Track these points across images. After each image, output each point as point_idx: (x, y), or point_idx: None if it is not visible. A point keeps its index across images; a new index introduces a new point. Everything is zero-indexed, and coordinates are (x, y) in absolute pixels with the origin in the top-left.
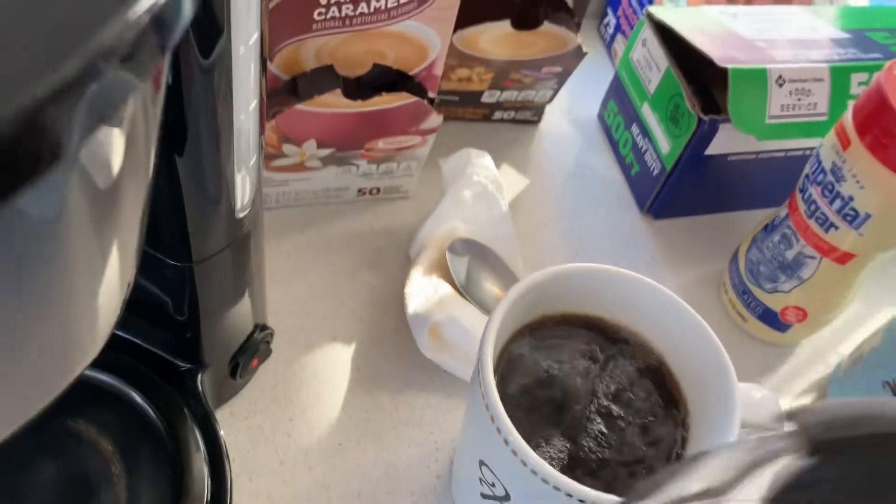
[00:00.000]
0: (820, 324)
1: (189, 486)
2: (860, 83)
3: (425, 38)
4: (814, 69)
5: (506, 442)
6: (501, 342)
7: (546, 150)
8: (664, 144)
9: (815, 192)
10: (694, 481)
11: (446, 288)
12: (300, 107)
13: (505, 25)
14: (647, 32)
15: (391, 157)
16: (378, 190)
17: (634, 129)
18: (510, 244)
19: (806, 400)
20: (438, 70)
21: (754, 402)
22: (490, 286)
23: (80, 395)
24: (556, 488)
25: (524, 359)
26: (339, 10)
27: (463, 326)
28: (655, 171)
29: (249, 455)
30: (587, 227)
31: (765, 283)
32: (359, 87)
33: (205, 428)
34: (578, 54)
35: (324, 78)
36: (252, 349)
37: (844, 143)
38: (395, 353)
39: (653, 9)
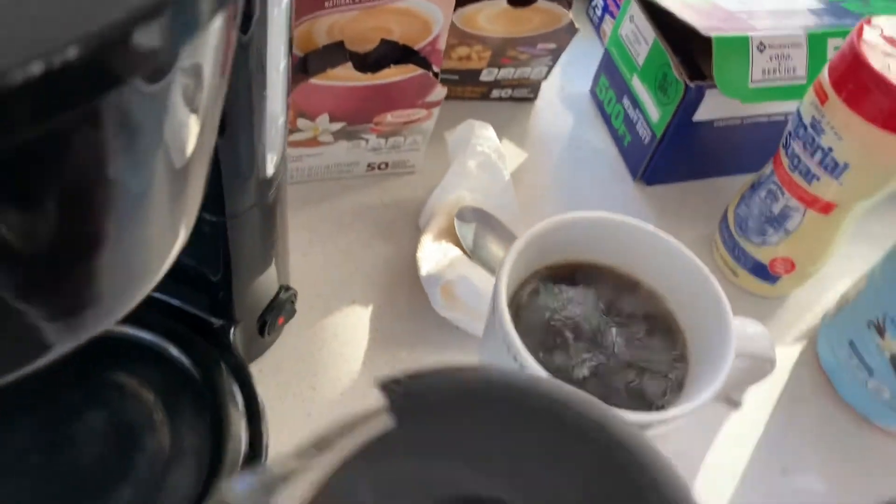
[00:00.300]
0: (807, 275)
1: (228, 429)
2: (835, 48)
3: (429, 13)
4: (792, 36)
5: (521, 367)
6: (512, 287)
7: (542, 125)
8: (654, 113)
9: (797, 146)
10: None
11: (456, 251)
12: (314, 81)
13: (501, 3)
14: (635, 8)
15: (398, 130)
16: (386, 165)
17: (625, 101)
18: (513, 211)
19: (797, 348)
20: (441, 44)
21: (748, 336)
22: (496, 250)
23: (123, 352)
24: None
25: (533, 300)
26: None
27: (473, 284)
28: (647, 140)
29: (277, 408)
30: (584, 196)
31: (753, 237)
32: (368, 63)
33: (239, 377)
34: (571, 30)
35: (334, 54)
36: (278, 308)
37: (822, 98)
38: (410, 313)
39: None
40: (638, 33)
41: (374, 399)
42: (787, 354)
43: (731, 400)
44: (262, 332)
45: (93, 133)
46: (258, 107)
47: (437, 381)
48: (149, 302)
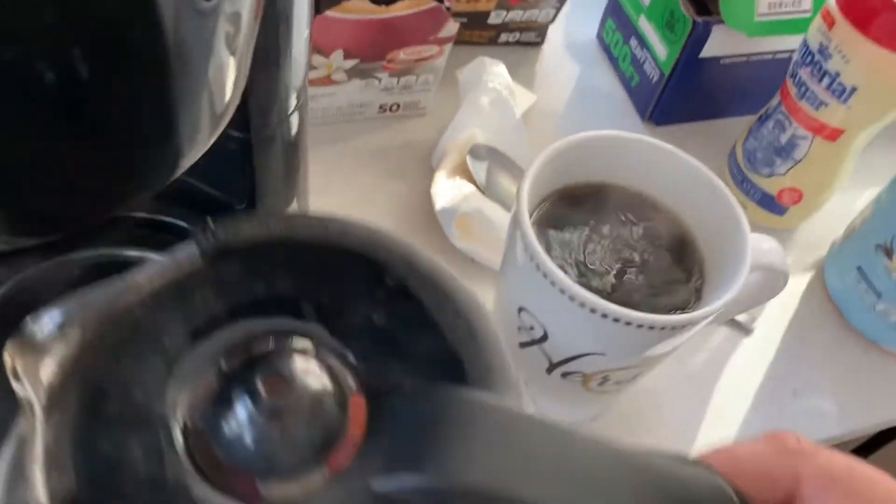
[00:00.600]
0: (814, 205)
1: None
2: None
3: None
4: None
5: (545, 275)
6: (533, 203)
7: (550, 70)
8: (661, 51)
9: (804, 73)
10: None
11: (469, 187)
12: (329, 13)
13: None
14: None
15: (411, 69)
16: (398, 106)
17: (633, 42)
18: (523, 151)
19: (805, 278)
20: None
21: (762, 251)
22: (509, 187)
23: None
24: (593, 310)
25: (552, 219)
26: None
27: (488, 216)
28: (654, 79)
29: None
30: None
31: (762, 168)
32: None
33: None
34: None
35: None
36: None
37: (829, 23)
38: (427, 247)
39: None
40: None
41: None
42: (796, 284)
43: (742, 327)
44: None
45: None
46: (284, 24)
47: (246, 228)
48: (173, 230)
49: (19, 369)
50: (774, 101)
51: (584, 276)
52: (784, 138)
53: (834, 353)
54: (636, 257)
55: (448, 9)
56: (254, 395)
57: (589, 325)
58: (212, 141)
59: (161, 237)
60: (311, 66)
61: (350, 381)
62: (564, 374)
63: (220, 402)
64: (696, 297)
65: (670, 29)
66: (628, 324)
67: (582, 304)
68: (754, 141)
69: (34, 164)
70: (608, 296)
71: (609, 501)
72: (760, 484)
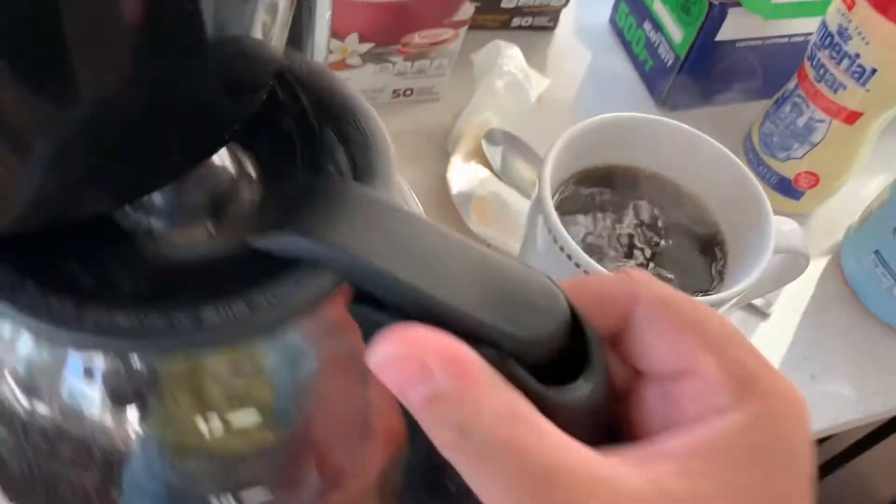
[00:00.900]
0: (831, 189)
1: None
2: None
3: None
4: None
5: (569, 256)
6: (553, 186)
7: (562, 54)
8: (676, 34)
9: (822, 56)
10: None
11: (485, 171)
12: None
13: None
14: None
15: (425, 53)
16: (411, 91)
17: (647, 25)
18: (538, 135)
19: (822, 263)
20: None
21: (783, 233)
22: (524, 171)
23: None
24: None
25: (574, 201)
26: None
27: (505, 200)
28: (669, 62)
29: None
30: None
31: (778, 152)
32: None
33: None
34: None
35: None
36: None
37: (849, 4)
38: None
39: None
40: None
41: None
42: (813, 268)
43: (760, 311)
44: None
45: None
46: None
47: None
48: None
49: None
50: (791, 85)
51: (603, 259)
52: (801, 122)
53: (851, 337)
54: (657, 240)
55: None
56: None
57: None
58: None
59: None
60: (326, 51)
61: (249, 167)
62: None
63: None
64: (718, 280)
65: (686, 12)
66: None
67: None
68: (771, 125)
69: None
70: None
71: (455, 284)
72: (600, 305)
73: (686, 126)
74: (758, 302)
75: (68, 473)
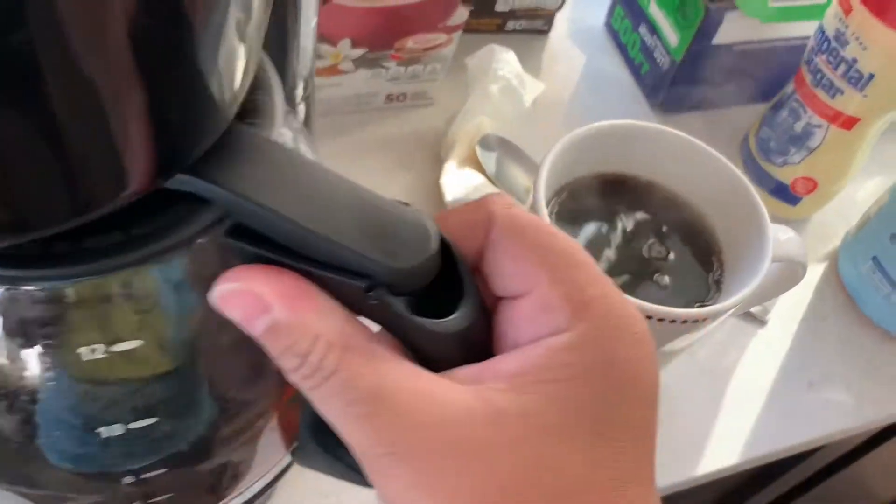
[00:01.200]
0: (828, 195)
1: None
2: None
3: None
4: None
5: None
6: (548, 196)
7: (557, 58)
8: (672, 37)
9: (820, 61)
10: None
11: (479, 178)
12: (337, 1)
13: None
14: None
15: (418, 58)
16: (405, 96)
17: (642, 29)
18: (533, 140)
19: (819, 269)
20: None
21: (781, 241)
22: (519, 177)
23: None
24: None
25: (568, 209)
26: None
27: None
28: (665, 66)
29: None
30: None
31: (775, 157)
32: None
33: None
34: None
35: None
36: None
37: (847, 9)
38: None
39: None
40: None
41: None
42: (810, 274)
43: (757, 318)
44: None
45: None
46: (292, 10)
47: None
48: None
49: None
50: (788, 89)
51: (602, 269)
52: (798, 127)
53: (849, 344)
54: (655, 249)
55: None
56: None
57: None
58: (222, 129)
59: None
60: (318, 56)
61: None
62: None
63: None
64: (716, 289)
65: (682, 15)
66: (649, 317)
67: None
68: (768, 129)
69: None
70: (626, 289)
71: (333, 219)
72: (463, 232)
73: (683, 134)
74: (755, 309)
75: None
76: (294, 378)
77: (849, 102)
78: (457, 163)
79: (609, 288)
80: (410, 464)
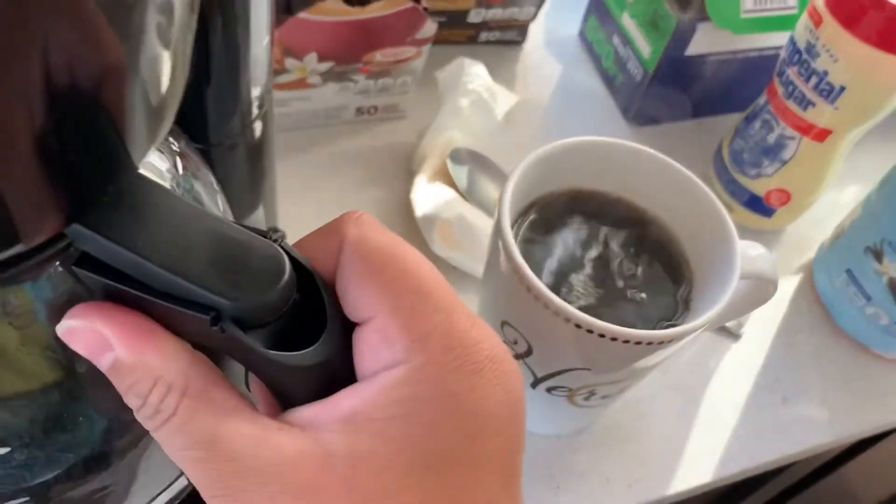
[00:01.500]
0: (802, 207)
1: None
2: None
3: None
4: None
5: (528, 289)
6: (515, 213)
7: (531, 69)
8: (645, 49)
9: (791, 72)
10: None
11: (450, 192)
12: (302, 15)
13: None
14: None
15: (388, 71)
16: (375, 109)
17: (615, 40)
18: (506, 153)
19: (794, 281)
20: None
21: (751, 258)
22: (491, 191)
23: None
24: (578, 325)
25: (536, 227)
26: None
27: (470, 223)
28: (638, 77)
29: None
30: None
31: (749, 169)
32: None
33: None
34: None
35: None
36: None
37: (817, 21)
38: None
39: None
40: None
41: None
42: (785, 287)
43: (730, 332)
44: None
45: None
46: (243, 27)
47: None
48: None
49: None
50: (761, 101)
51: (569, 287)
52: (771, 138)
53: (824, 357)
54: (623, 267)
55: (426, 9)
56: None
57: (574, 340)
58: (155, 142)
59: None
60: (284, 70)
61: None
62: (550, 389)
63: None
64: (684, 308)
65: (654, 26)
66: (614, 339)
67: (567, 319)
68: (741, 141)
69: None
70: (595, 308)
71: (184, 254)
72: (315, 253)
73: (652, 150)
74: (729, 323)
75: None
76: (138, 417)
77: (821, 115)
78: (427, 177)
79: (457, 315)
80: None
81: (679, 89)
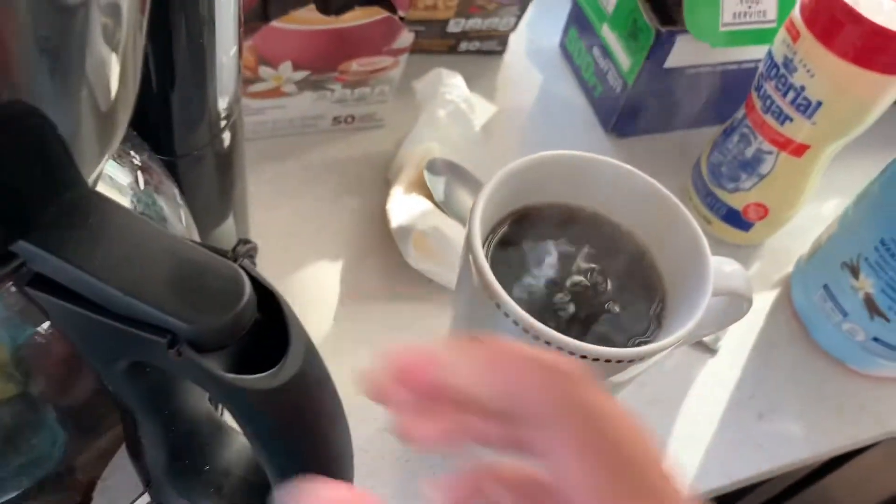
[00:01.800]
0: (780, 221)
1: None
2: None
3: None
4: None
5: (497, 305)
6: (486, 228)
7: (511, 79)
8: (625, 61)
9: (769, 87)
10: None
11: (426, 203)
12: (275, 24)
13: None
14: None
15: (365, 80)
16: (353, 118)
17: (595, 51)
18: (484, 164)
19: (772, 295)
20: None
21: (725, 274)
22: (468, 203)
23: None
24: (548, 342)
25: (509, 242)
26: None
27: (446, 236)
28: (618, 89)
29: None
30: (555, 149)
31: (727, 183)
32: (331, 5)
33: None
34: None
35: None
36: (237, 262)
37: (794, 36)
38: (382, 267)
39: None
40: None
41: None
42: (762, 301)
43: (707, 346)
44: None
45: None
46: (208, 37)
47: None
48: None
49: None
50: (739, 115)
51: (541, 302)
52: (749, 152)
53: (800, 373)
54: (596, 283)
55: (402, 19)
56: None
57: None
58: (106, 153)
59: None
60: (258, 78)
61: None
62: None
63: None
64: (656, 324)
65: (633, 38)
66: (583, 357)
67: (536, 337)
68: (719, 155)
69: None
70: (567, 323)
71: (143, 276)
72: (488, 387)
73: (626, 165)
74: (706, 337)
75: None
76: None
77: (798, 130)
78: (403, 188)
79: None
80: None
81: (658, 101)
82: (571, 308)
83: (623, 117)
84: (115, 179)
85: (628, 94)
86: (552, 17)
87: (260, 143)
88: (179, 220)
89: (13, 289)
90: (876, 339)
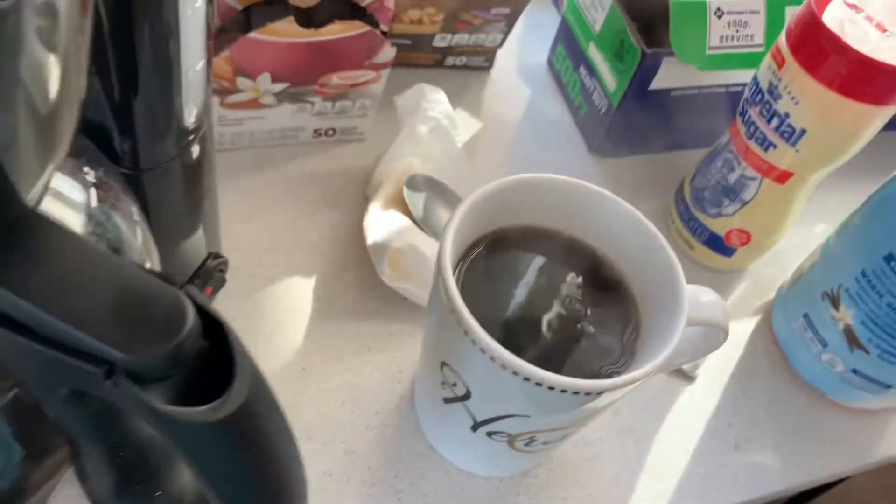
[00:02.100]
0: (763, 247)
1: None
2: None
3: None
4: (750, 2)
5: (465, 332)
6: (459, 251)
7: (497, 95)
8: (610, 81)
9: (753, 113)
10: None
11: (404, 220)
12: (253, 35)
13: None
14: None
15: (346, 94)
16: (334, 131)
17: (582, 70)
18: (466, 182)
19: (752, 322)
20: (390, 2)
21: (701, 304)
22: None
23: None
24: (515, 373)
25: (481, 266)
26: None
27: (422, 254)
28: (603, 110)
29: None
30: (539, 168)
31: (709, 208)
32: (311, 18)
33: None
34: None
35: (276, 8)
36: (206, 277)
37: (780, 62)
38: (357, 284)
39: None
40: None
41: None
42: (742, 328)
43: (685, 374)
44: None
45: None
46: (174, 46)
47: None
48: None
49: None
50: (724, 139)
51: (512, 328)
52: (732, 178)
53: (778, 402)
54: (569, 309)
55: (384, 33)
56: None
57: (512, 387)
58: (47, 167)
59: None
60: (236, 89)
61: None
62: (490, 434)
63: None
64: (630, 353)
65: (619, 59)
66: (551, 388)
67: (504, 366)
68: (702, 179)
69: None
70: (538, 351)
71: (83, 304)
72: None
73: (604, 190)
74: (685, 365)
75: None
76: None
77: (782, 157)
78: (381, 204)
79: None
80: None
81: (643, 123)
82: (543, 335)
83: (608, 137)
84: (67, 196)
85: (613, 114)
86: (542, 33)
87: (239, 154)
88: (135, 238)
89: None
90: (855, 371)
